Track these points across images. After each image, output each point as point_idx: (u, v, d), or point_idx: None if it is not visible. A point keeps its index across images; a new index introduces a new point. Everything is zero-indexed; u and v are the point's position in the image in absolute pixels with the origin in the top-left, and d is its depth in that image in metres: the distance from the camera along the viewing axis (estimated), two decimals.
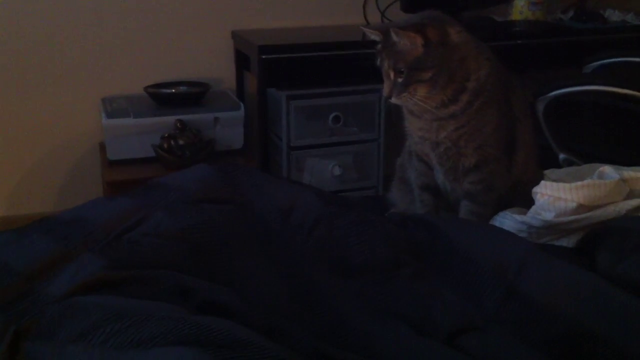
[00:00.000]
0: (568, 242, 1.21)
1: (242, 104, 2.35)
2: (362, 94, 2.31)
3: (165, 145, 2.19)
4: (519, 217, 1.20)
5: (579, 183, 1.16)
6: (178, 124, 2.20)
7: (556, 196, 1.15)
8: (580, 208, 1.15)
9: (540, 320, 0.93)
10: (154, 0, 2.42)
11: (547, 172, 1.42)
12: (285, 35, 2.51)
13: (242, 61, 2.49)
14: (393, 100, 1.25)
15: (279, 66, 2.20)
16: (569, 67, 2.47)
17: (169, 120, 2.21)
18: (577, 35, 2.54)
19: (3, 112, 2.36)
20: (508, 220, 1.23)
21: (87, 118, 2.44)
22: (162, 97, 2.34)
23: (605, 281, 0.96)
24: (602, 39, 2.53)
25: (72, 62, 2.39)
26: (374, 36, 1.26)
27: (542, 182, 1.18)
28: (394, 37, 1.22)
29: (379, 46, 1.26)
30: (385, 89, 1.26)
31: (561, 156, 1.82)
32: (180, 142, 2.19)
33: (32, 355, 0.82)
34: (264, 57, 2.16)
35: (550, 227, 1.18)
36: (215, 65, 2.54)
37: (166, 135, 2.20)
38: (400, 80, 1.22)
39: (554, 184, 1.16)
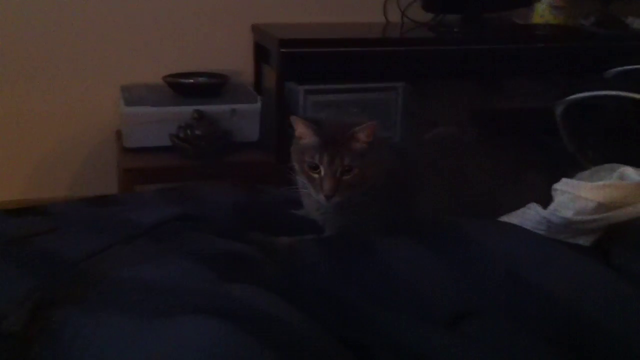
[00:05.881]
0: (585, 241, 1.20)
1: (259, 97, 2.36)
2: (380, 92, 2.30)
3: (182, 135, 2.20)
4: (542, 212, 1.19)
5: (600, 183, 1.15)
6: (195, 114, 2.20)
7: (576, 194, 1.14)
8: (600, 207, 1.14)
9: (542, 306, 0.92)
10: None
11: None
12: (305, 31, 2.51)
13: (261, 54, 2.50)
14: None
15: (298, 60, 2.21)
16: (589, 72, 2.46)
17: (186, 110, 2.21)
18: (598, 41, 2.53)
19: (22, 97, 2.38)
20: (531, 211, 1.21)
21: (105, 105, 2.45)
22: (180, 87, 2.35)
23: (612, 272, 0.95)
24: (623, 46, 2.52)
25: (92, 50, 2.40)
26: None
27: (563, 179, 1.17)
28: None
29: None
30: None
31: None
32: (197, 132, 2.19)
33: (70, 325, 0.82)
34: (284, 50, 2.17)
35: (568, 225, 1.17)
36: (234, 58, 2.55)
37: (183, 124, 2.20)
38: None
39: (575, 182, 1.15)
